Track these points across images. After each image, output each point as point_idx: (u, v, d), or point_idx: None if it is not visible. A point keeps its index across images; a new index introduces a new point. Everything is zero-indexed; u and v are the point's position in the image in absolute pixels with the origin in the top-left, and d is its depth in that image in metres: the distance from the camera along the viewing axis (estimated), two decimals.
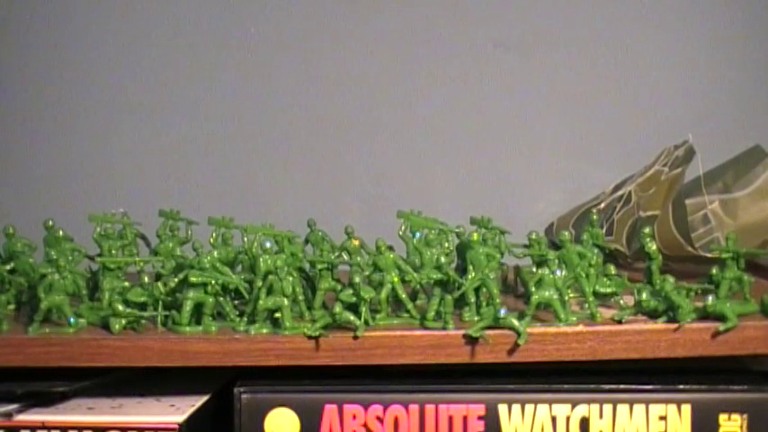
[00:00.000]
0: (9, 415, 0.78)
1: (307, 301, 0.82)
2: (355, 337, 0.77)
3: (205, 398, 0.82)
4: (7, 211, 1.14)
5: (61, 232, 0.87)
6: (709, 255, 0.91)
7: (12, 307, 0.86)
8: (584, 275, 0.82)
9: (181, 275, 0.79)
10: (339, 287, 0.82)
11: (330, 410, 0.79)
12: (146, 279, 0.81)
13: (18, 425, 0.77)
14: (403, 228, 0.88)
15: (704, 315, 0.78)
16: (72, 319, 0.79)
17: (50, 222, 0.87)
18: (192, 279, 0.78)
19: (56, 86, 1.20)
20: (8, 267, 0.87)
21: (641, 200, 0.98)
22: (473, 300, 0.80)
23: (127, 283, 0.81)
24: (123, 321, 0.78)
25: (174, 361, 0.77)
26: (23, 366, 0.77)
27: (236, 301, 0.83)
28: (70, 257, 0.84)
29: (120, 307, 0.78)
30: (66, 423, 0.77)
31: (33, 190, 1.19)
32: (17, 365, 0.77)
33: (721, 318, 0.77)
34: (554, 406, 0.79)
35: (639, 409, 0.79)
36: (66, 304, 0.79)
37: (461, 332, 0.77)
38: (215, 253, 0.81)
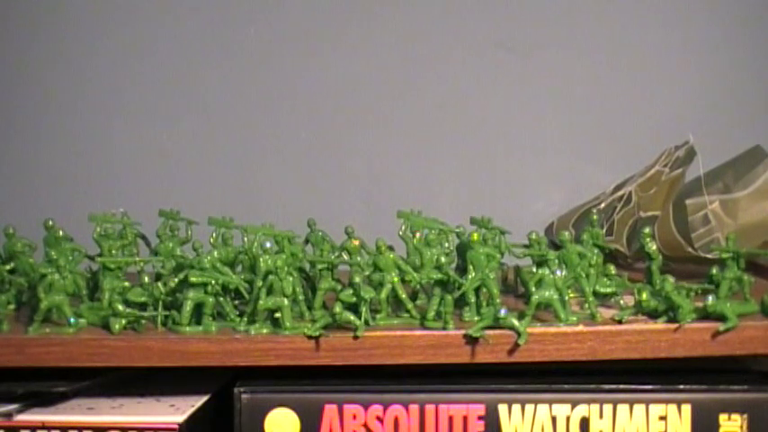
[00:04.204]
0: (9, 415, 0.78)
1: (307, 301, 0.82)
2: (355, 337, 0.77)
3: (205, 398, 0.82)
4: (7, 211, 1.14)
5: (61, 232, 0.87)
6: (709, 255, 0.91)
7: (12, 307, 0.86)
8: (584, 275, 0.82)
9: (181, 275, 0.79)
10: (339, 287, 0.82)
11: (330, 410, 0.79)
12: (146, 279, 0.81)
13: (18, 425, 0.77)
14: (403, 228, 0.88)
15: (704, 315, 0.78)
16: (72, 319, 0.79)
17: (50, 222, 0.87)
18: (193, 279, 0.78)
19: (56, 87, 1.20)
20: (8, 267, 0.87)
21: (642, 200, 0.98)
22: (473, 300, 0.80)
23: (127, 283, 0.81)
24: (123, 321, 0.78)
25: (174, 361, 0.77)
26: (24, 366, 0.77)
27: (237, 301, 0.83)
28: (70, 257, 0.84)
29: (121, 307, 0.78)
30: (67, 423, 0.77)
31: (33, 190, 1.19)
32: (17, 365, 0.77)
33: (721, 318, 0.77)
34: (554, 406, 0.79)
35: (639, 409, 0.79)
36: (66, 304, 0.79)
37: (461, 332, 0.77)
38: (215, 253, 0.81)
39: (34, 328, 0.78)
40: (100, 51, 1.19)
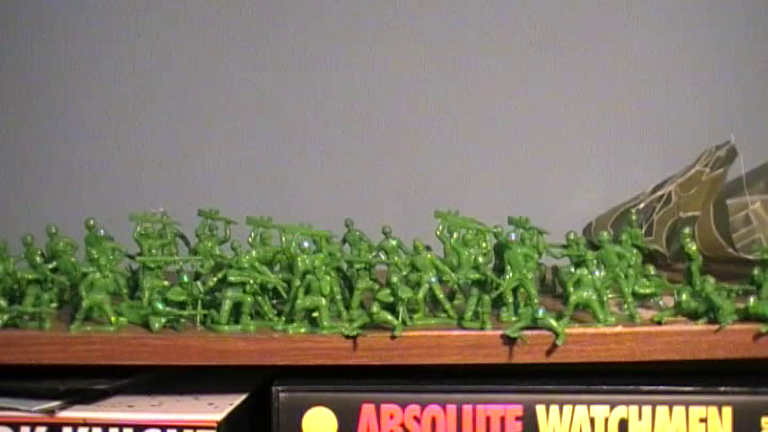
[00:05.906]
0: (51, 411, 0.79)
1: (344, 300, 0.82)
2: (393, 337, 0.77)
3: (243, 396, 0.83)
4: (50, 210, 1.16)
5: (102, 231, 0.88)
6: (750, 256, 0.90)
7: (54, 305, 0.87)
8: (622, 276, 0.81)
9: (220, 275, 0.80)
10: (377, 287, 0.82)
11: (367, 410, 0.79)
12: (185, 278, 0.81)
13: (60, 421, 0.78)
14: (440, 228, 0.88)
15: (746, 316, 0.77)
16: (113, 318, 0.79)
17: (91, 222, 0.88)
18: (231, 278, 0.79)
19: (95, 85, 1.21)
20: (51, 266, 0.88)
21: (681, 200, 0.97)
22: (511, 300, 0.79)
23: (166, 282, 0.82)
24: (163, 320, 0.79)
25: (212, 360, 0.77)
26: (66, 364, 0.78)
27: (275, 301, 0.83)
28: (111, 257, 0.85)
29: (160, 306, 0.79)
30: (107, 420, 0.78)
31: (75, 190, 1.21)
32: (59, 363, 0.78)
33: (763, 319, 0.76)
34: (592, 407, 0.78)
35: (679, 410, 0.78)
36: (107, 303, 0.80)
37: (499, 332, 0.77)
38: (253, 252, 0.81)
39: (76, 326, 0.79)
40: (138, 47, 1.20)
